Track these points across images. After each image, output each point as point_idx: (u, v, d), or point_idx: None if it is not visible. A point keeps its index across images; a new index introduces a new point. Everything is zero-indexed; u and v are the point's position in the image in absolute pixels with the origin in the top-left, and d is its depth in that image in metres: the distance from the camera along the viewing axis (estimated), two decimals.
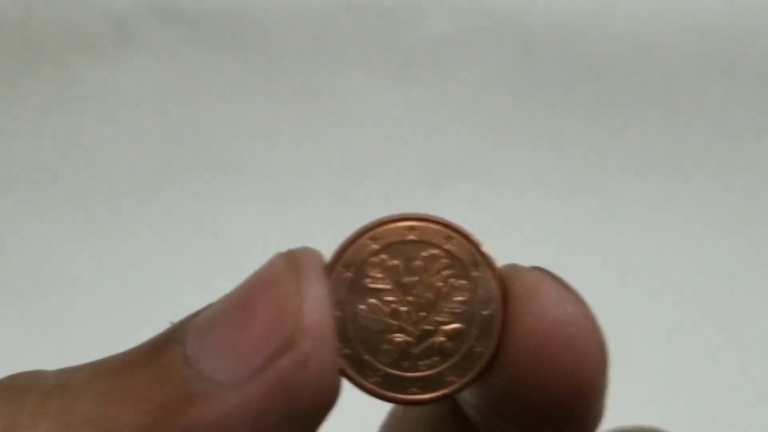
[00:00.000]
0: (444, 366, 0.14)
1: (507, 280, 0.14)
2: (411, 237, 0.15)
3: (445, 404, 0.17)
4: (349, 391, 0.15)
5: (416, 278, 0.15)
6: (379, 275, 0.15)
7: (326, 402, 0.13)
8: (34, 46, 0.63)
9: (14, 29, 0.63)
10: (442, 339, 0.14)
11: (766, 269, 0.57)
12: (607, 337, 0.15)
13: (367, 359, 0.14)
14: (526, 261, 0.15)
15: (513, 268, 0.15)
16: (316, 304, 0.13)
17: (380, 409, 0.20)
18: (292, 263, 0.14)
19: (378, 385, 0.14)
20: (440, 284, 0.15)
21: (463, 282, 0.15)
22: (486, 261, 0.15)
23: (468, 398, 0.15)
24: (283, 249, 0.14)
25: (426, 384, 0.14)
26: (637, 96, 0.64)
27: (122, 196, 0.61)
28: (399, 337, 0.14)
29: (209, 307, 0.14)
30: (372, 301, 0.15)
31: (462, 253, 0.15)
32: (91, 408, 0.13)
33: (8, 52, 0.63)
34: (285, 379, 0.12)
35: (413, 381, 0.14)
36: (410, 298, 0.15)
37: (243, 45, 0.63)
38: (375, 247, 0.15)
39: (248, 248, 0.56)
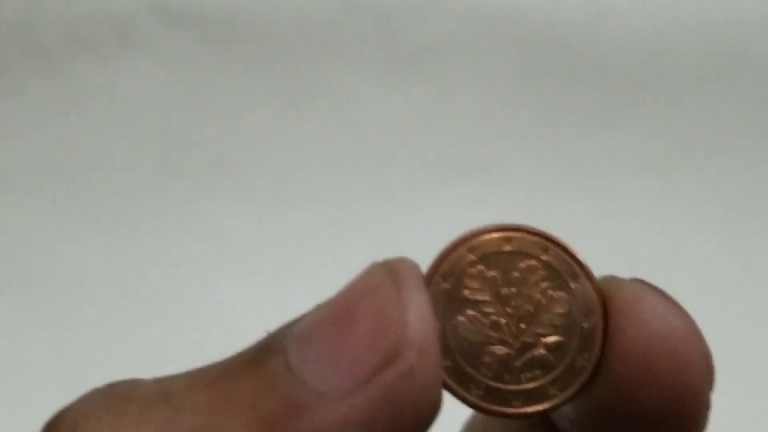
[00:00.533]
0: (546, 379, 0.14)
1: (607, 292, 0.14)
2: (508, 248, 0.15)
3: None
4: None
5: (515, 290, 0.14)
6: (477, 286, 0.15)
7: (430, 415, 0.13)
8: (34, 47, 0.63)
9: (14, 29, 0.63)
10: (543, 352, 0.14)
11: (766, 269, 0.57)
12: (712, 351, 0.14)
13: (468, 371, 0.14)
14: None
15: (612, 279, 0.15)
16: (419, 314, 0.13)
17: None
18: (391, 273, 0.13)
19: (481, 399, 0.14)
20: (539, 296, 0.15)
21: (561, 294, 0.15)
22: (585, 272, 0.15)
23: (566, 411, 0.15)
24: (369, 260, 0.14)
25: (528, 397, 0.14)
26: (636, 96, 0.64)
27: (123, 196, 0.61)
28: (500, 350, 0.14)
29: (307, 315, 0.14)
30: (471, 312, 0.14)
31: (559, 264, 0.15)
32: (195, 418, 0.13)
33: (8, 52, 0.63)
34: (390, 391, 0.12)
35: (515, 394, 0.14)
36: (509, 310, 0.14)
37: (243, 46, 0.63)
38: (472, 258, 0.15)
39: (250, 249, 0.56)
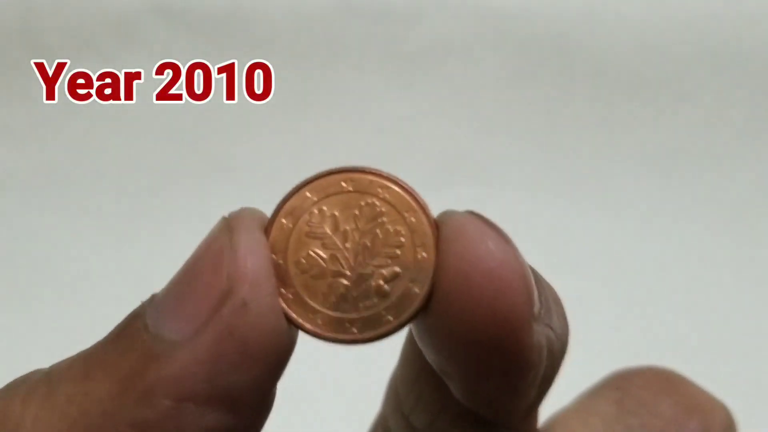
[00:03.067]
0: (382, 307, 0.15)
1: (440, 224, 0.15)
2: (348, 188, 0.16)
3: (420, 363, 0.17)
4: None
5: (353, 225, 0.16)
6: (317, 224, 0.16)
7: (275, 343, 0.14)
8: (34, 47, 0.63)
9: (14, 29, 0.63)
10: (380, 282, 0.15)
11: (766, 269, 0.57)
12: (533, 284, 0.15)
13: (309, 303, 0.15)
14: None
15: (445, 212, 0.15)
16: (249, 251, 0.14)
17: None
18: (228, 222, 0.15)
19: (319, 327, 0.15)
20: (377, 231, 0.16)
21: (399, 228, 0.15)
22: (420, 207, 0.16)
23: (422, 346, 0.16)
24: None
25: (365, 324, 0.15)
26: (636, 96, 0.64)
27: (124, 196, 0.61)
28: (338, 282, 0.15)
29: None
30: (312, 248, 0.15)
31: (398, 201, 0.16)
32: (69, 388, 0.14)
33: (9, 52, 0.63)
34: (229, 325, 0.13)
35: (352, 322, 0.15)
36: (348, 245, 0.15)
37: (243, 46, 0.63)
38: (314, 198, 0.16)
39: None
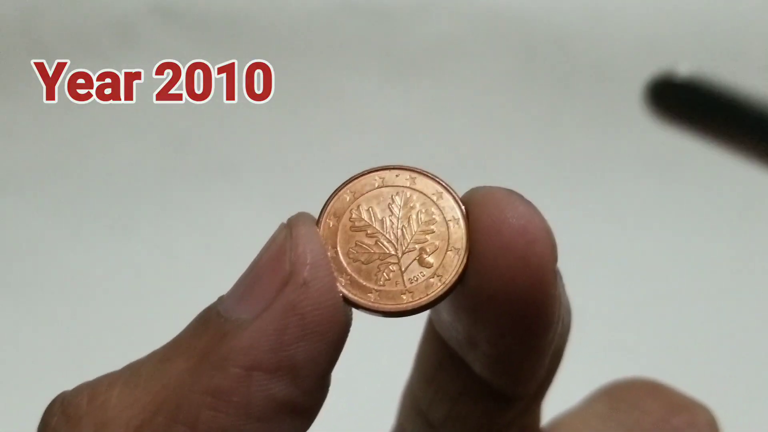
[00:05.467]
0: (428, 276, 0.17)
1: (468, 199, 0.18)
2: (379, 184, 0.18)
3: (435, 352, 0.20)
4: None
5: (390, 213, 0.18)
6: (358, 218, 0.18)
7: (332, 319, 0.16)
8: (34, 47, 0.63)
9: (14, 29, 0.63)
10: (423, 255, 0.17)
11: (766, 269, 0.57)
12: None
13: (362, 284, 0.17)
14: None
15: (470, 190, 0.18)
16: (307, 240, 0.16)
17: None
18: (286, 224, 0.17)
19: (374, 302, 0.17)
20: (411, 214, 0.18)
21: (430, 209, 0.18)
22: (447, 190, 0.18)
23: (452, 321, 0.18)
24: None
25: (416, 294, 0.17)
26: (637, 96, 0.64)
27: (123, 195, 0.61)
28: (386, 262, 0.17)
29: None
30: (358, 239, 0.18)
31: (424, 187, 0.18)
32: (150, 369, 0.16)
33: (9, 52, 0.63)
34: (291, 301, 0.16)
35: (404, 293, 0.17)
36: (389, 230, 0.18)
37: (243, 46, 0.63)
38: (351, 198, 0.18)
39: (250, 249, 0.56)
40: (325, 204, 0.18)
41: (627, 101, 0.64)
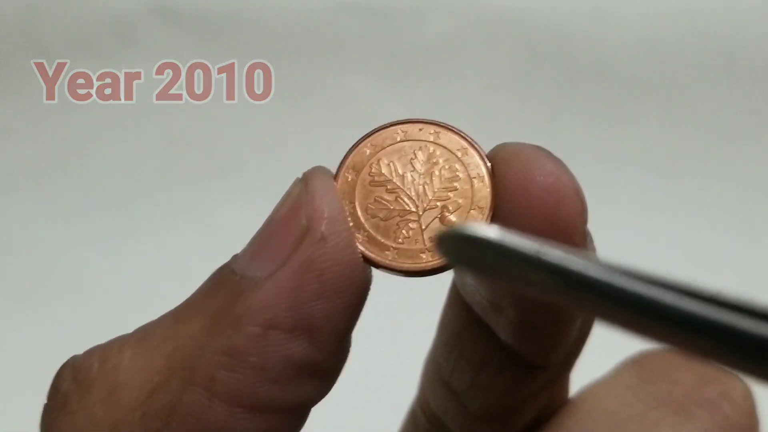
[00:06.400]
0: None
1: (493, 156, 0.17)
2: (402, 138, 0.17)
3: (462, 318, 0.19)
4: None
5: (412, 168, 0.17)
6: (379, 173, 0.17)
7: (351, 277, 0.15)
8: (34, 47, 0.63)
9: (14, 29, 0.63)
10: (445, 214, 0.16)
11: (766, 269, 0.57)
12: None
13: (381, 241, 0.16)
14: None
15: (497, 146, 0.17)
16: (323, 192, 0.15)
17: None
18: (302, 178, 0.16)
19: (393, 261, 0.16)
20: (434, 170, 0.17)
21: (454, 165, 0.17)
22: (471, 145, 0.17)
23: (473, 280, 0.17)
24: None
25: (434, 253, 0.16)
26: (637, 96, 0.64)
27: (123, 196, 0.61)
28: (406, 219, 0.17)
29: None
30: (377, 194, 0.17)
31: (448, 142, 0.17)
32: (162, 331, 0.16)
33: (9, 52, 0.63)
34: (309, 257, 0.15)
35: (423, 252, 0.16)
36: (410, 186, 0.17)
37: (243, 46, 0.63)
38: (372, 151, 0.17)
39: None
40: (344, 157, 0.17)
41: (627, 101, 0.64)
